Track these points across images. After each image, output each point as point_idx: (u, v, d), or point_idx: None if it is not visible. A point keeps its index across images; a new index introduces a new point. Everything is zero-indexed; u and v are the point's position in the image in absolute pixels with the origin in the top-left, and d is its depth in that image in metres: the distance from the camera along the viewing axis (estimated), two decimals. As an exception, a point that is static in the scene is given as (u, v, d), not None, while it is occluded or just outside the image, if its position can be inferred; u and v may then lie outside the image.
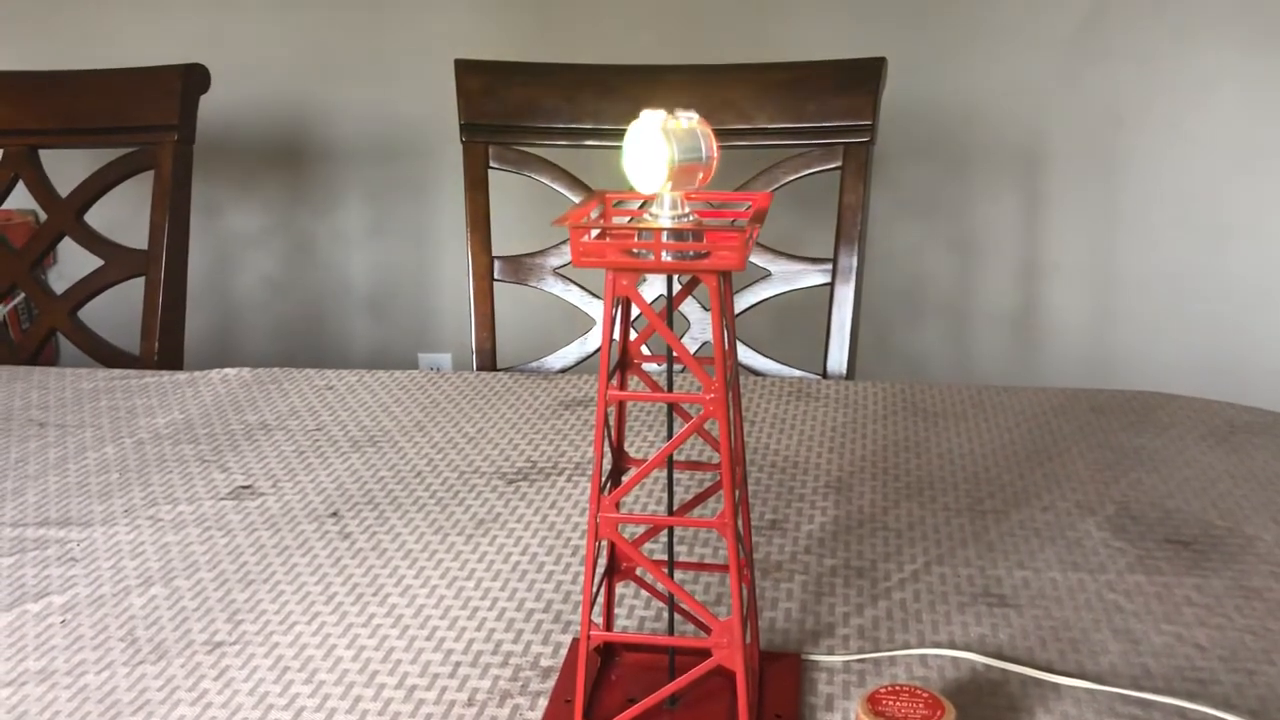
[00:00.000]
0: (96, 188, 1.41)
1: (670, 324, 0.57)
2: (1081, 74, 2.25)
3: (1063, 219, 2.33)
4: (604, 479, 0.59)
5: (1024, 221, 2.35)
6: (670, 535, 0.63)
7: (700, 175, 0.54)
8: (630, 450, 0.99)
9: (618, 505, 0.57)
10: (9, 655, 0.70)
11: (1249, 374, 2.28)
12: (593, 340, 1.35)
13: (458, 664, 0.68)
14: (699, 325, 1.33)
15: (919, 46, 2.25)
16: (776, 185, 1.29)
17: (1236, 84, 2.20)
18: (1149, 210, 2.29)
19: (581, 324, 1.36)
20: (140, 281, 1.39)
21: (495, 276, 1.36)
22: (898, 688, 0.57)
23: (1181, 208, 2.27)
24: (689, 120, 0.54)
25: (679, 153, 0.53)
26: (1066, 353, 2.39)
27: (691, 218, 0.55)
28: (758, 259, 1.30)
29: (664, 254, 0.54)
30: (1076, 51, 2.24)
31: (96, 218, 1.42)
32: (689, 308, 1.34)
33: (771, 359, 1.30)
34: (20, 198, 1.47)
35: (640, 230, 0.54)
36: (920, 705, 0.56)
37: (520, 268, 1.36)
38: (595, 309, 1.34)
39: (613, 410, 0.61)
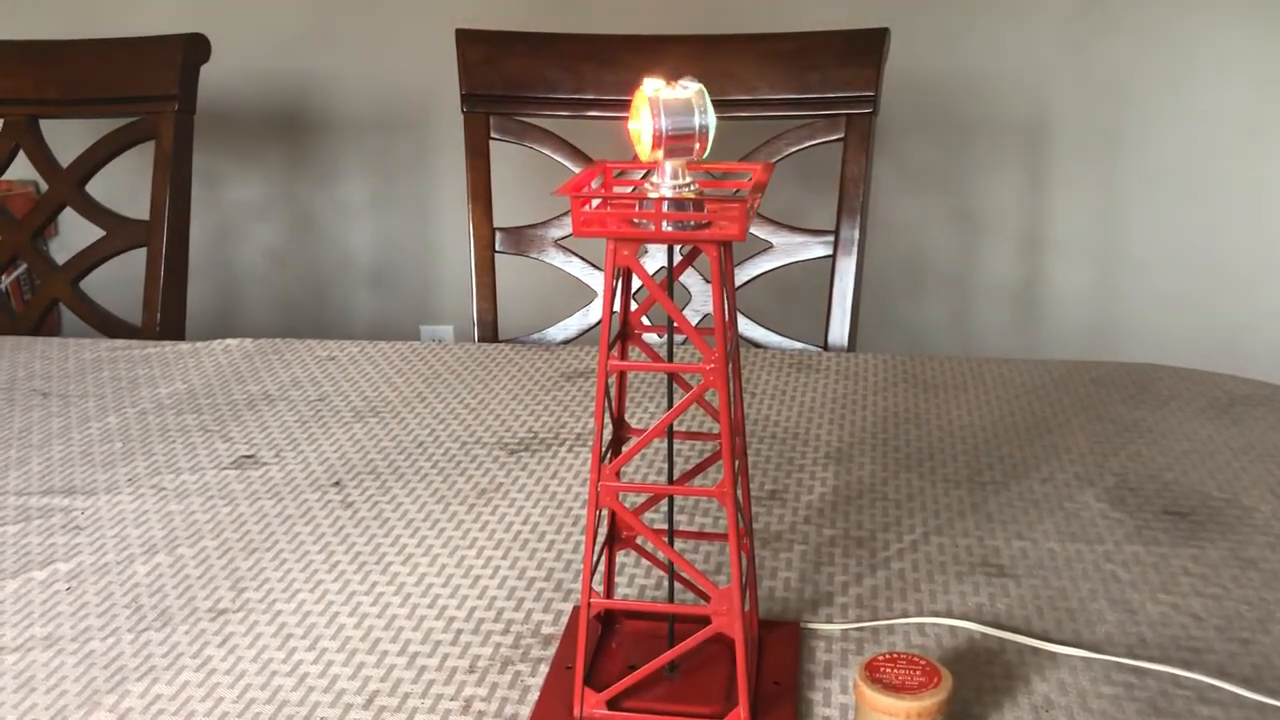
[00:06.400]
0: (97, 158, 1.41)
1: (671, 294, 0.57)
2: (1086, 48, 2.24)
3: (1065, 193, 2.33)
4: (605, 448, 0.59)
5: (1026, 195, 2.35)
6: (670, 504, 0.63)
7: (696, 145, 0.54)
8: (631, 420, 1.00)
9: (618, 474, 0.57)
10: (16, 622, 0.71)
11: (1250, 348, 2.28)
12: (594, 312, 1.35)
13: (460, 631, 0.69)
14: (700, 297, 1.33)
15: (923, 19, 2.24)
16: (779, 156, 1.29)
17: (1241, 59, 2.19)
18: (1151, 185, 2.28)
19: (583, 296, 1.36)
20: (142, 252, 1.39)
21: (497, 248, 1.35)
22: (895, 655, 0.58)
23: (1184, 182, 2.27)
24: (684, 90, 0.54)
25: (671, 122, 0.53)
26: (1068, 326, 2.39)
27: (693, 188, 0.55)
28: (759, 231, 1.30)
29: (665, 224, 0.54)
30: (1081, 25, 2.23)
31: (97, 188, 1.42)
32: (691, 280, 1.34)
33: (773, 331, 1.30)
34: (21, 168, 1.47)
35: (641, 200, 0.54)
36: (917, 673, 0.56)
37: (522, 239, 1.36)
38: (597, 281, 1.34)
39: (613, 380, 0.61)
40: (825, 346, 1.28)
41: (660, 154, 0.53)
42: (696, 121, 0.53)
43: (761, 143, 1.30)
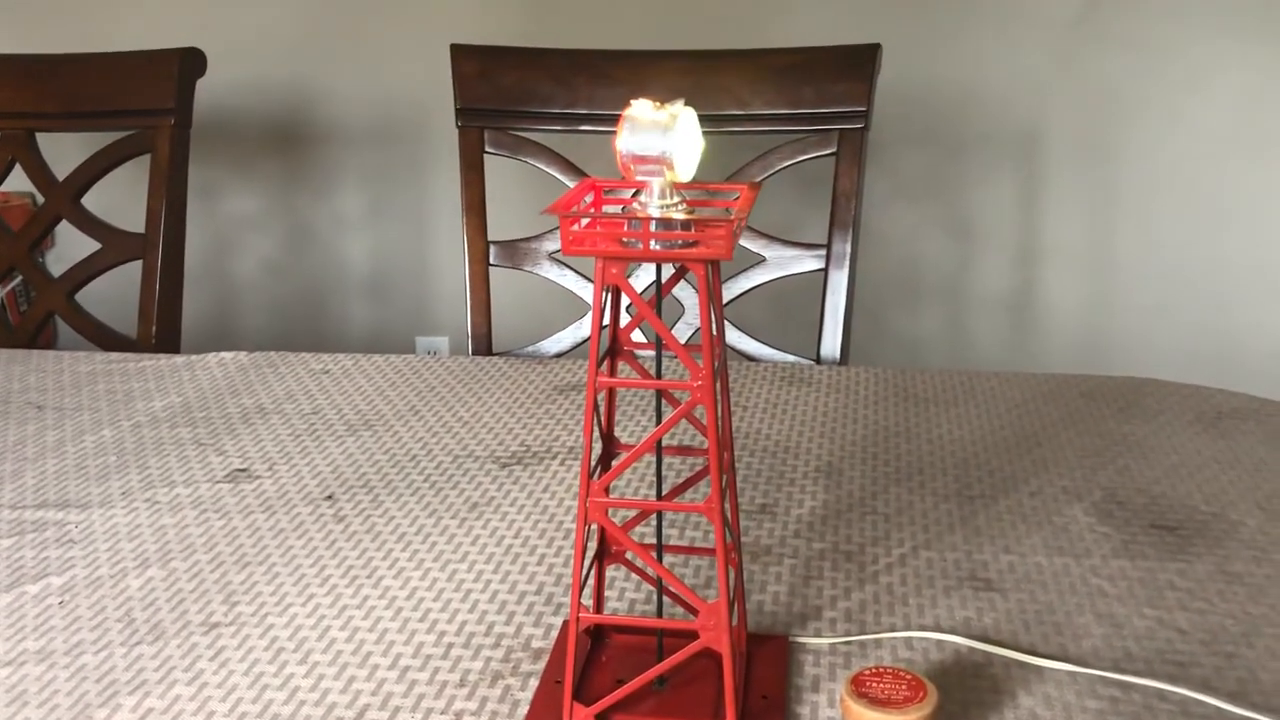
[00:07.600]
0: (94, 171, 1.41)
1: (660, 311, 0.57)
2: (1079, 59, 2.25)
3: (1059, 204, 2.34)
4: (594, 464, 0.60)
5: (1020, 207, 2.36)
6: (659, 519, 0.64)
7: (665, 168, 0.54)
8: (621, 435, 1.00)
9: (607, 490, 0.58)
10: (8, 636, 0.71)
11: (1244, 360, 2.29)
12: (587, 325, 1.35)
13: (450, 645, 0.69)
14: (692, 310, 1.33)
15: (915, 31, 2.25)
16: (771, 171, 1.30)
17: (1234, 70, 2.20)
18: (1145, 196, 2.29)
19: (577, 309, 1.36)
20: (138, 265, 1.39)
21: (491, 261, 1.36)
22: (882, 670, 0.58)
23: (1177, 193, 2.28)
24: (659, 112, 0.54)
25: (635, 143, 0.53)
26: (1062, 338, 2.40)
27: (682, 206, 0.56)
28: (752, 244, 1.31)
29: (652, 243, 0.54)
30: (1074, 36, 2.24)
31: (94, 201, 1.42)
32: (683, 292, 1.34)
33: (765, 344, 1.30)
34: (17, 180, 1.47)
35: (629, 219, 0.55)
36: (903, 687, 0.57)
37: (516, 252, 1.36)
38: (590, 294, 1.35)
39: (603, 396, 0.62)
40: (818, 360, 1.29)
41: (632, 173, 0.54)
42: (663, 144, 0.54)
43: (754, 157, 1.31)
